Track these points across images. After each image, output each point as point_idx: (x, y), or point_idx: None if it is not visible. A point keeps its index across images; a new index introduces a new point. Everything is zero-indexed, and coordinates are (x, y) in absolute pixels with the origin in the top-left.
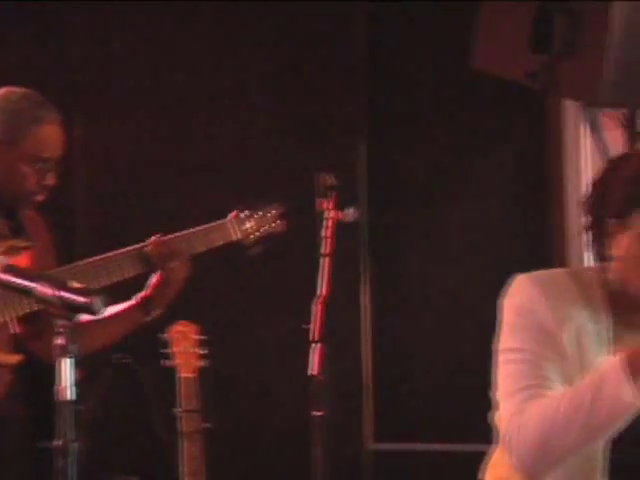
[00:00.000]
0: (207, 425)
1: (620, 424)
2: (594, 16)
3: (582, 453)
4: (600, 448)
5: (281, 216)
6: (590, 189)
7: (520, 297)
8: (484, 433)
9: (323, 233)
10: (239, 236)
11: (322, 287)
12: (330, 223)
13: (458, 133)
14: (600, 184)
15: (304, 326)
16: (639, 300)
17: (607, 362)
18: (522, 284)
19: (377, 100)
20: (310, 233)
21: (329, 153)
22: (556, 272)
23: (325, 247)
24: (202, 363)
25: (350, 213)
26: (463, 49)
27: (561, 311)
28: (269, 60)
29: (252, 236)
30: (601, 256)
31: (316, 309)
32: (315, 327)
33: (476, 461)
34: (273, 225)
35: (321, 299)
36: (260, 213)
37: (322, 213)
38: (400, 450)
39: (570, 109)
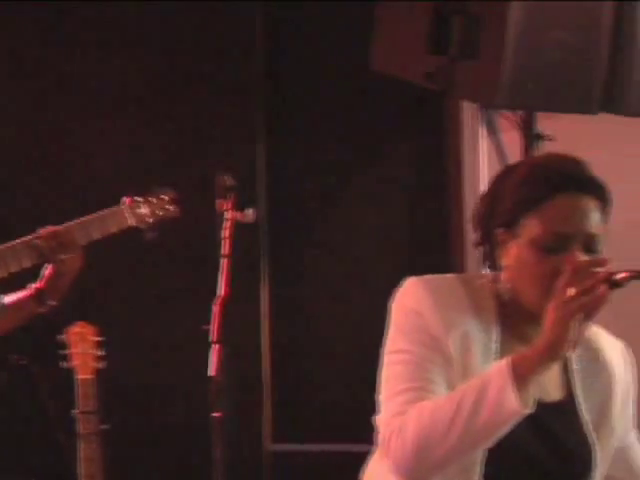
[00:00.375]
0: (105, 427)
1: (501, 432)
2: (492, 17)
3: (460, 463)
4: (478, 459)
5: (174, 201)
6: (478, 203)
7: (409, 299)
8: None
9: (223, 234)
10: (134, 222)
11: (221, 288)
12: (229, 224)
13: (358, 134)
14: (488, 196)
15: (204, 327)
16: (529, 310)
17: (493, 367)
18: (412, 287)
19: (276, 100)
20: (210, 234)
21: (228, 154)
22: (448, 277)
23: (224, 248)
24: (100, 365)
25: (249, 214)
26: (363, 50)
27: (449, 316)
28: (167, 60)
29: (147, 220)
30: (493, 267)
31: (215, 310)
32: (214, 328)
33: None
34: (167, 209)
35: (220, 300)
36: (154, 198)
37: (222, 214)
38: (298, 451)
39: (468, 110)
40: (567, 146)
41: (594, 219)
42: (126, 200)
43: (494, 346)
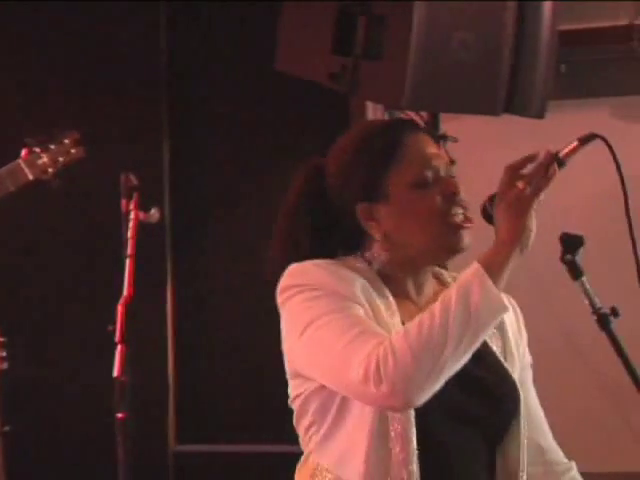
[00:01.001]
0: (7, 428)
1: (489, 331)
2: (396, 18)
3: (382, 441)
4: (411, 417)
5: (78, 142)
6: (313, 202)
7: (305, 277)
8: (286, 434)
9: (127, 234)
10: (36, 174)
11: (126, 288)
12: (133, 224)
13: (262, 134)
14: (330, 188)
15: (109, 327)
16: (414, 264)
17: (465, 272)
18: (300, 268)
19: (180, 100)
20: (115, 234)
21: (132, 154)
22: (326, 260)
23: (128, 248)
24: (2, 365)
25: (154, 214)
26: (268, 49)
27: (346, 276)
28: (71, 60)
29: (50, 170)
30: (351, 249)
31: (119, 310)
32: (118, 328)
33: (277, 462)
34: (70, 153)
35: (123, 300)
36: (53, 145)
37: (126, 214)
38: (202, 451)
39: (373, 111)
40: (471, 147)
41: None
42: (23, 154)
43: (392, 300)
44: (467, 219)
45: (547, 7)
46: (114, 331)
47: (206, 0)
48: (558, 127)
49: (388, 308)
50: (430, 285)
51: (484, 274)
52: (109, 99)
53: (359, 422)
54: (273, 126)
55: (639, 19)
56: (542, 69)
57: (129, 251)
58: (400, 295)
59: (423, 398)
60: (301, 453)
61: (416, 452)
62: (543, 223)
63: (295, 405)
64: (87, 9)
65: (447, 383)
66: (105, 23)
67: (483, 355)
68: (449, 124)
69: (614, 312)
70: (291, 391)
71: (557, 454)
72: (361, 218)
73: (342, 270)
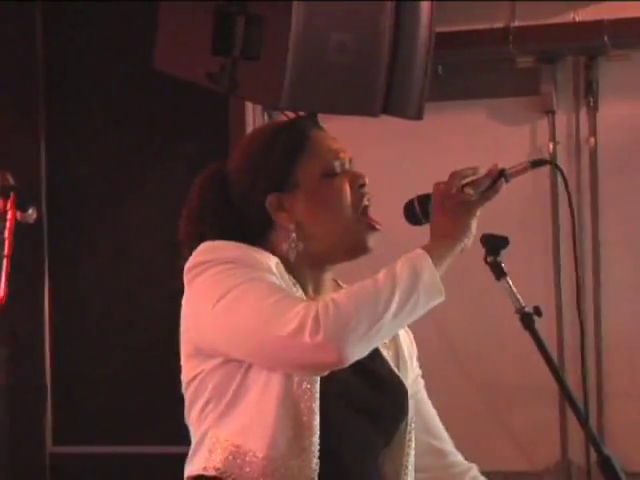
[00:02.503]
0: None
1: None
2: (274, 18)
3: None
4: (314, 406)
5: None
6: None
7: (217, 253)
8: (162, 435)
9: (3, 234)
10: None
11: (1, 289)
12: (10, 224)
13: (141, 133)
14: (236, 182)
15: None
16: (321, 256)
17: (412, 254)
18: (212, 245)
19: (58, 98)
20: None
21: (8, 153)
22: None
23: (5, 248)
24: None
25: (31, 214)
26: (148, 48)
27: (265, 259)
28: None
29: None
30: (266, 244)
31: None
32: None
33: (153, 462)
34: None
35: None
36: None
37: (2, 213)
38: (79, 453)
39: (252, 110)
40: (349, 147)
41: None
42: None
43: (295, 282)
44: (375, 220)
45: (424, 9)
46: None
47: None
48: (436, 128)
49: (297, 290)
50: (329, 287)
51: (430, 259)
52: None
53: (264, 393)
54: (152, 125)
55: (515, 22)
56: (419, 70)
57: (5, 251)
58: (303, 283)
59: (354, 356)
60: (176, 454)
61: (318, 426)
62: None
63: (190, 388)
64: None
65: (349, 373)
66: None
67: (377, 360)
68: (327, 124)
69: (537, 311)
70: (185, 375)
71: (457, 457)
72: (271, 209)
73: (254, 248)
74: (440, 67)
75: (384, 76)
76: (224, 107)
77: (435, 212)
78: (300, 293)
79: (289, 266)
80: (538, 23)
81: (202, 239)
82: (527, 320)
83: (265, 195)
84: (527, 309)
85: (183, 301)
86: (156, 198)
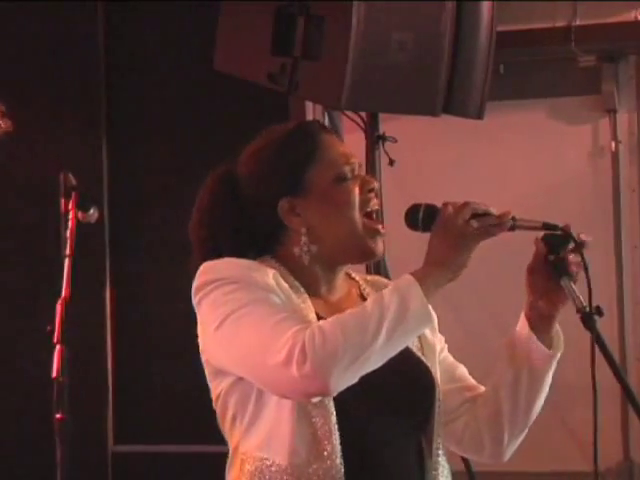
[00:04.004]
0: None
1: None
2: (335, 18)
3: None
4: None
5: (3, 114)
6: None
7: (218, 273)
8: (223, 435)
9: (65, 234)
10: None
11: (64, 288)
12: (71, 224)
13: (202, 134)
14: (249, 187)
15: (48, 328)
16: (331, 261)
17: (401, 280)
18: (212, 265)
19: (119, 100)
20: (54, 233)
21: (71, 153)
22: (240, 259)
23: (67, 248)
24: None
25: (92, 214)
26: (208, 49)
27: (263, 275)
28: (9, 57)
29: None
30: (276, 247)
31: (58, 311)
32: (57, 329)
33: (214, 461)
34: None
35: (62, 300)
36: None
37: (65, 214)
38: (141, 452)
39: (313, 111)
40: (410, 147)
41: None
42: None
43: (305, 293)
44: (377, 223)
45: (485, 8)
46: (53, 331)
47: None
48: (496, 128)
49: (302, 300)
50: (343, 284)
51: (419, 288)
52: (47, 99)
53: (279, 404)
54: (212, 126)
55: (577, 21)
56: (480, 70)
57: (67, 251)
58: (312, 292)
59: (341, 386)
60: None
61: (337, 426)
62: None
63: (217, 405)
64: (22, 7)
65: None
66: (43, 21)
67: (403, 352)
68: (388, 124)
69: (599, 311)
70: (213, 392)
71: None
72: (283, 213)
73: (253, 263)
74: (501, 66)
75: (445, 75)
76: (284, 107)
77: (435, 233)
78: (304, 299)
79: (299, 270)
80: (600, 22)
81: (214, 241)
82: (588, 320)
83: (277, 199)
84: (588, 309)
85: (198, 321)
86: None
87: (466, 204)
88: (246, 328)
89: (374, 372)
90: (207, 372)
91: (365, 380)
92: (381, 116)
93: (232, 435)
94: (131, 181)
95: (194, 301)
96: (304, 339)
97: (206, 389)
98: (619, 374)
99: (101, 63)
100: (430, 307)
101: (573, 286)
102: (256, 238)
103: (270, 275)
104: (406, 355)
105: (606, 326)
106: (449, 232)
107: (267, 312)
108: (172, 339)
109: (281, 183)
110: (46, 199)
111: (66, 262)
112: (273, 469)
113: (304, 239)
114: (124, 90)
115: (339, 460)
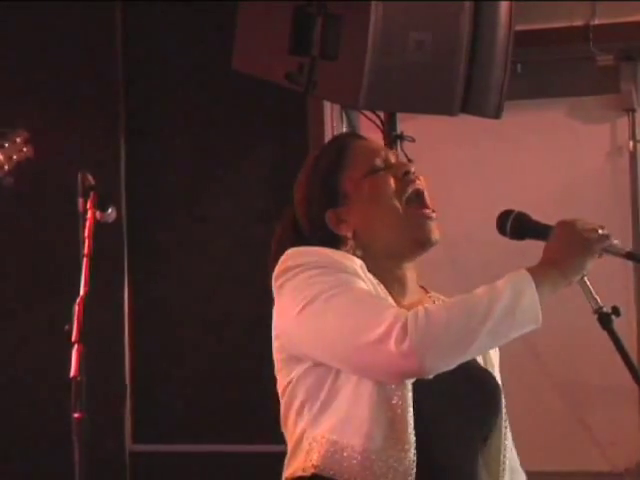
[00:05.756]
0: None
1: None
2: (353, 18)
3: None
4: (408, 398)
5: (27, 140)
6: (300, 208)
7: (306, 257)
8: (241, 434)
9: (84, 233)
10: None
11: (82, 287)
12: (89, 223)
13: (219, 133)
14: (303, 199)
15: (66, 327)
16: (386, 254)
17: (517, 276)
18: (300, 250)
19: (137, 100)
20: (72, 233)
21: (89, 153)
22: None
23: (85, 247)
24: None
25: (110, 213)
26: (225, 49)
27: (352, 263)
28: (28, 58)
29: (4, 167)
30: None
31: (76, 310)
32: (75, 328)
33: (234, 461)
34: (22, 151)
35: (80, 300)
36: (7, 142)
37: (83, 213)
38: (159, 451)
39: (331, 110)
40: (428, 147)
41: None
42: None
43: (382, 285)
44: (428, 206)
45: (503, 8)
46: (71, 330)
47: (163, 0)
48: (514, 127)
49: (384, 293)
50: (416, 292)
51: (534, 284)
52: (66, 98)
53: (358, 388)
54: (230, 126)
55: (594, 20)
56: (498, 69)
57: (85, 250)
58: (392, 289)
59: (439, 368)
60: (255, 452)
61: (413, 417)
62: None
63: (285, 394)
64: (40, 8)
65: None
66: (60, 21)
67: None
68: (406, 124)
69: (616, 311)
70: (280, 383)
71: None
72: (331, 224)
73: (340, 253)
74: (519, 65)
75: (463, 75)
76: (302, 107)
77: (558, 237)
78: (385, 293)
79: (372, 270)
80: (618, 21)
81: None
82: (605, 320)
83: (323, 213)
84: (605, 309)
85: (276, 305)
86: (234, 198)
87: (581, 219)
88: (337, 309)
89: (447, 375)
90: (278, 359)
91: (438, 381)
92: (399, 116)
93: (297, 423)
94: (149, 181)
95: (275, 285)
96: (407, 317)
97: (224, 389)
98: (636, 374)
99: (119, 63)
100: (540, 309)
101: (590, 286)
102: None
103: (358, 264)
104: (473, 363)
105: (623, 326)
106: (574, 236)
107: (359, 294)
108: (190, 339)
109: (321, 198)
110: (65, 199)
111: (84, 261)
112: (345, 454)
113: (350, 243)
114: (142, 90)
115: (413, 451)
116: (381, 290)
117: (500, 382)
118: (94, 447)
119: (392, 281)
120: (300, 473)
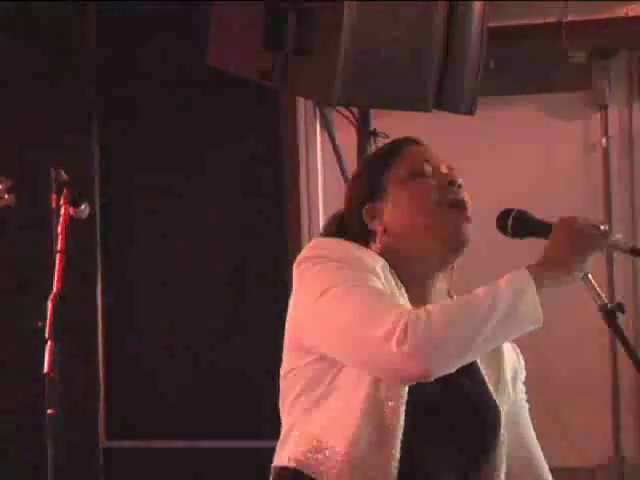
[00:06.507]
0: None
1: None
2: (327, 15)
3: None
4: (400, 411)
5: (10, 189)
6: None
7: (326, 250)
8: (215, 430)
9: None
10: None
11: (55, 284)
12: (63, 220)
13: (192, 129)
14: (357, 176)
15: (39, 323)
16: (416, 256)
17: (518, 276)
18: (322, 241)
19: (109, 95)
20: (45, 229)
21: (62, 149)
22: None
23: (58, 243)
24: None
25: (83, 209)
26: (200, 45)
27: (371, 260)
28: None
29: None
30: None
31: (49, 306)
32: (48, 324)
33: (206, 457)
34: (3, 198)
35: (53, 296)
36: None
37: (56, 209)
38: (132, 447)
39: (304, 107)
40: None
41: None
42: None
43: (403, 290)
44: (461, 208)
45: (477, 5)
46: (44, 327)
47: None
48: (487, 124)
49: (401, 295)
50: (440, 296)
51: (534, 284)
52: (39, 96)
53: (353, 392)
54: (204, 122)
55: (568, 17)
56: (472, 66)
57: (59, 246)
58: (407, 292)
59: (440, 370)
60: (235, 448)
61: (402, 430)
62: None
63: (286, 379)
64: (17, 6)
65: (440, 387)
66: (34, 20)
67: (475, 379)
68: (380, 120)
69: (620, 308)
70: (284, 366)
71: None
72: (367, 218)
73: (364, 249)
74: (492, 62)
75: (436, 72)
76: (276, 103)
77: (559, 234)
78: (404, 297)
79: (397, 266)
80: (591, 18)
81: None
82: (610, 317)
83: (362, 206)
84: (610, 306)
85: (293, 293)
86: (207, 194)
87: (583, 217)
88: (347, 302)
89: (439, 391)
90: (287, 344)
91: (430, 397)
92: (373, 112)
93: (291, 412)
94: (122, 177)
95: (295, 272)
96: (409, 318)
97: (197, 386)
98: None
99: (92, 60)
100: (541, 311)
101: (594, 283)
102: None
103: (380, 263)
104: (477, 387)
105: (600, 329)
106: (576, 233)
107: (370, 291)
108: (164, 336)
109: (363, 190)
110: (37, 195)
111: (57, 257)
112: (327, 454)
113: (382, 239)
114: (115, 86)
115: (395, 464)
116: (398, 292)
117: (510, 407)
118: (67, 443)
119: (416, 286)
120: (285, 463)
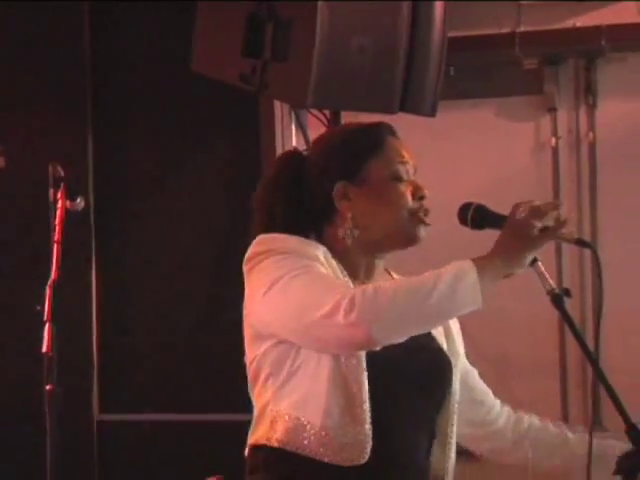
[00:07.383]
0: None
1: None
2: (301, 24)
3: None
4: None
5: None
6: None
7: (272, 244)
8: (206, 403)
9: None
10: None
11: (53, 272)
12: (60, 212)
13: (180, 128)
14: (335, 150)
15: (37, 307)
16: (375, 244)
17: (460, 263)
18: (267, 237)
19: (103, 92)
20: (44, 221)
21: (59, 146)
22: (293, 235)
23: (56, 234)
24: None
25: (79, 203)
26: (186, 52)
27: (314, 250)
28: None
29: None
30: (324, 226)
31: (47, 292)
32: (46, 308)
33: (196, 430)
34: None
35: (51, 283)
36: None
37: (54, 202)
38: (125, 420)
39: (281, 109)
40: None
41: None
42: None
43: (345, 272)
44: (425, 217)
45: (438, 14)
46: (42, 310)
47: (130, 0)
48: (448, 125)
49: (345, 277)
50: (381, 274)
51: (476, 270)
52: (35, 93)
53: (317, 368)
54: (189, 123)
55: (521, 27)
56: (433, 71)
57: (56, 237)
58: (351, 276)
59: (385, 338)
60: (222, 421)
61: (368, 394)
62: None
63: (252, 367)
64: (11, 5)
65: (398, 346)
66: (29, 18)
67: (427, 335)
68: (350, 120)
69: (567, 293)
70: (248, 356)
71: (497, 408)
72: (336, 196)
73: (305, 240)
74: (452, 69)
75: (401, 76)
76: (255, 106)
77: (506, 229)
78: (347, 279)
79: (342, 252)
80: (542, 29)
81: (272, 210)
82: (557, 301)
83: (334, 182)
84: (557, 291)
85: (246, 288)
86: (195, 189)
87: (536, 207)
88: (296, 289)
89: (400, 353)
90: (247, 336)
91: (391, 359)
92: (343, 113)
93: (262, 394)
94: (114, 173)
95: (245, 269)
96: (355, 292)
97: (184, 363)
98: (587, 351)
99: (87, 56)
100: (480, 291)
101: (543, 270)
102: (310, 214)
103: (321, 251)
104: (429, 341)
105: (549, 312)
106: (516, 230)
107: (316, 276)
108: (152, 316)
109: (341, 168)
110: (37, 189)
111: (55, 247)
112: (306, 430)
113: (348, 223)
114: (109, 83)
115: (367, 426)
116: (341, 275)
117: (467, 368)
118: (64, 417)
119: (361, 267)
120: (264, 442)
